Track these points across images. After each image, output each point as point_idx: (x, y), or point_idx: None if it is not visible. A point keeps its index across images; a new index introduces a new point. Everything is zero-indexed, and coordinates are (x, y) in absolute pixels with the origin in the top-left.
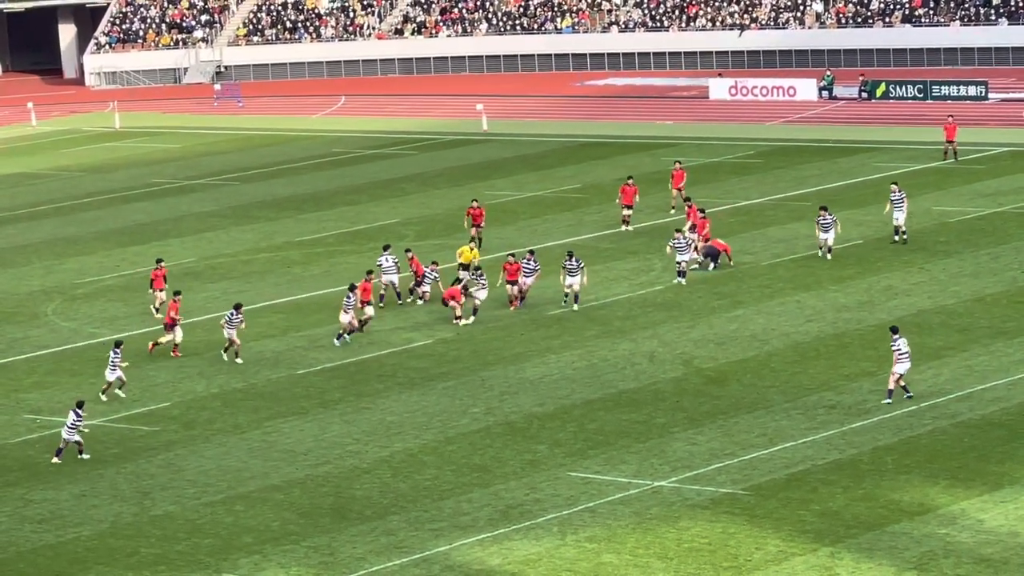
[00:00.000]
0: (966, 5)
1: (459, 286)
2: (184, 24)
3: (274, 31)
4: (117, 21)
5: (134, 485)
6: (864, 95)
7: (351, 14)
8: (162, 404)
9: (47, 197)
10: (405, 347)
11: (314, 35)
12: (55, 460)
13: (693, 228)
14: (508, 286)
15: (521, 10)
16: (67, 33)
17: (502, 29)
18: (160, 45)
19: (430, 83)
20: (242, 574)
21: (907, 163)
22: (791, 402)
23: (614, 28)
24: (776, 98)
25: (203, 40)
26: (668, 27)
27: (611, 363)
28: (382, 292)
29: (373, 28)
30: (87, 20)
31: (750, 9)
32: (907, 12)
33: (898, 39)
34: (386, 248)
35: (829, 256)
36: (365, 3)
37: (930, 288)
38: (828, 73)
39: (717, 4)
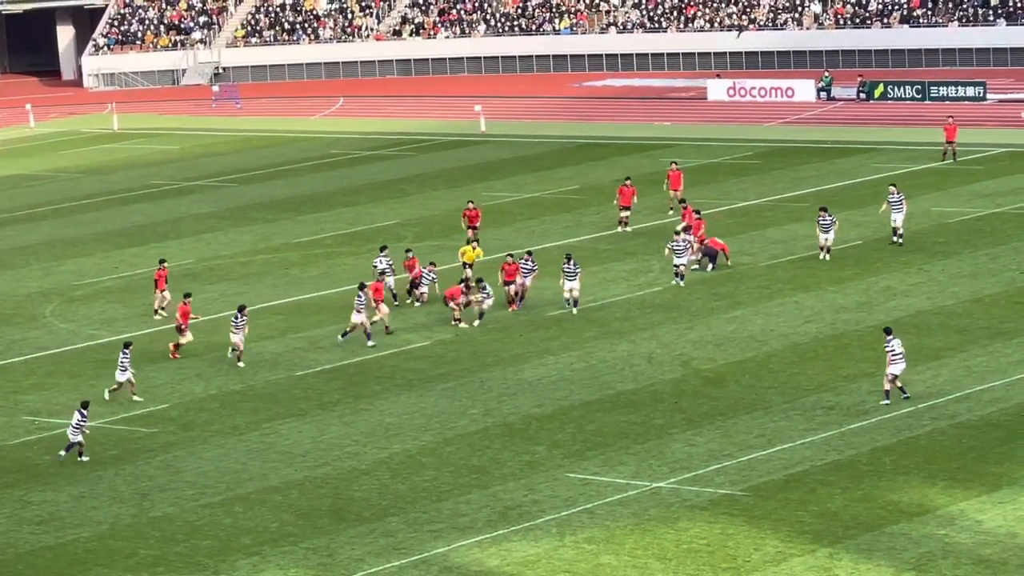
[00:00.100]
0: (964, 6)
1: (461, 285)
2: (182, 26)
3: (272, 32)
4: (115, 23)
5: (133, 487)
6: (862, 96)
7: (349, 15)
8: (161, 406)
9: (45, 199)
10: (403, 348)
11: (312, 36)
12: (62, 453)
13: (688, 229)
14: (506, 287)
15: (519, 11)
16: (65, 35)
17: (500, 30)
18: (158, 47)
19: (428, 84)
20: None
21: (906, 164)
22: (789, 403)
23: (612, 29)
24: (774, 99)
25: (201, 42)
26: (666, 28)
27: (609, 364)
28: (393, 292)
29: (371, 29)
30: (85, 22)
31: (748, 10)
32: (905, 13)
33: (896, 40)
34: (383, 249)
35: (827, 257)
36: (363, 4)
37: (929, 289)
38: (826, 74)
39: (715, 5)
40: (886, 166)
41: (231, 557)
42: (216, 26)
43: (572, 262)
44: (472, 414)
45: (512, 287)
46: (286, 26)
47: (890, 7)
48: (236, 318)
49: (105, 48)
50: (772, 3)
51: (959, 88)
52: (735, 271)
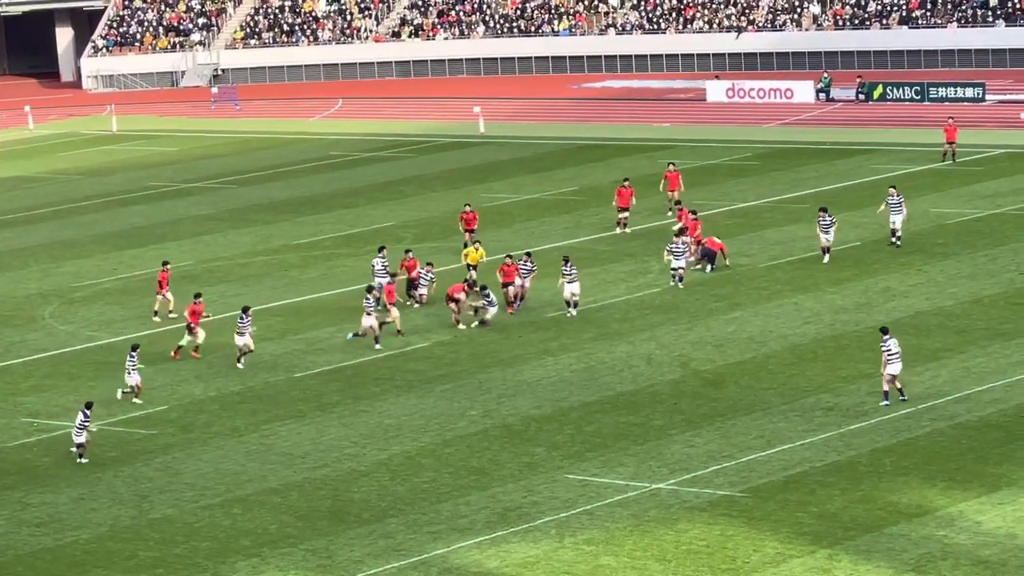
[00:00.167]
0: (963, 7)
1: (464, 283)
2: (181, 27)
3: (271, 34)
4: (114, 24)
5: (132, 488)
6: (861, 97)
7: (348, 17)
8: (160, 407)
9: (44, 200)
10: (402, 350)
11: (311, 38)
12: (74, 450)
13: (685, 231)
14: (504, 289)
15: (518, 13)
16: (64, 36)
17: (499, 32)
18: (157, 48)
19: (427, 86)
20: None
21: (905, 165)
22: (789, 404)
23: (611, 30)
24: (773, 100)
25: (200, 43)
26: (665, 29)
27: (609, 365)
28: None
29: (370, 31)
30: (84, 23)
31: (747, 11)
32: (904, 14)
33: (895, 41)
34: (380, 250)
35: (828, 257)
36: (362, 6)
37: (928, 290)
38: (825, 75)
39: (714, 6)
40: (885, 167)
41: (230, 559)
42: (215, 28)
43: (570, 264)
44: (471, 415)
45: (511, 289)
46: (285, 28)
47: (889, 8)
48: (241, 319)
49: (104, 50)
50: (771, 4)
51: (958, 89)
52: (734, 272)
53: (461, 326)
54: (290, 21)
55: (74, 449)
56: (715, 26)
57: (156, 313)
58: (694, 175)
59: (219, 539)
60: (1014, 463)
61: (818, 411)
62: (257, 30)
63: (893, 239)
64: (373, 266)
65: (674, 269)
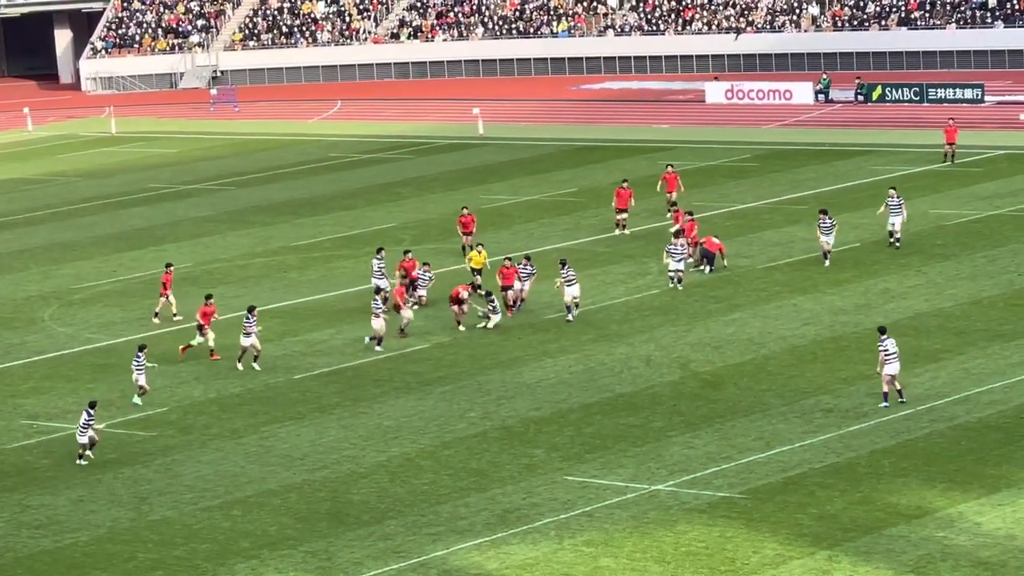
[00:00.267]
0: (962, 8)
1: (469, 284)
2: (180, 29)
3: (270, 36)
4: (113, 26)
5: (131, 490)
6: (860, 98)
7: (347, 19)
8: (159, 409)
9: (43, 202)
10: (402, 352)
11: (310, 40)
12: (89, 454)
13: (681, 232)
14: (504, 292)
15: (517, 14)
16: (63, 38)
17: (498, 33)
18: (156, 50)
19: (426, 87)
20: None
21: (904, 166)
22: (788, 406)
23: (610, 32)
24: (772, 101)
25: (199, 45)
26: (664, 31)
27: (608, 367)
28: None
29: (369, 32)
30: (83, 25)
31: (746, 13)
32: (903, 15)
33: (894, 42)
34: (379, 252)
35: (828, 260)
36: (361, 8)
37: (927, 291)
38: (824, 76)
39: (713, 8)
40: (884, 168)
41: (230, 561)
42: (214, 29)
43: (568, 267)
44: (470, 417)
45: (510, 292)
46: (284, 29)
47: (888, 9)
48: (248, 319)
49: (103, 52)
50: (770, 5)
51: (957, 90)
52: (733, 274)
53: (462, 328)
54: (289, 23)
55: (80, 451)
56: (714, 27)
57: (157, 315)
58: (693, 176)
59: (218, 541)
60: (1013, 464)
61: (817, 412)
62: (256, 32)
63: (892, 240)
64: (372, 268)
65: (672, 271)
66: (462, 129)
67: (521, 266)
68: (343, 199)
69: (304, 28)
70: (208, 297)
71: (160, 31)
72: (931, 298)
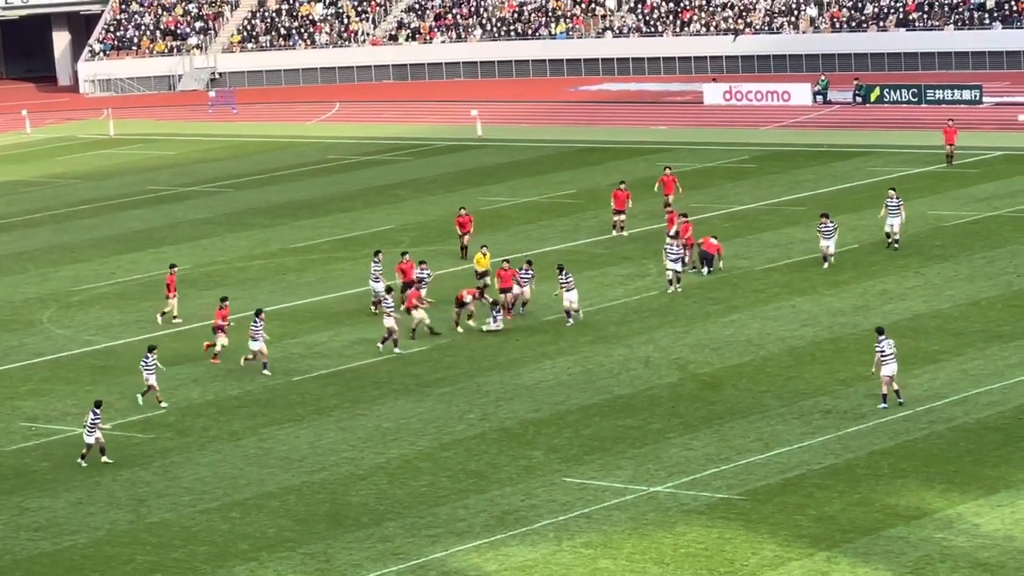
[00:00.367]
0: (960, 9)
1: (476, 290)
2: (178, 31)
3: (268, 38)
4: (111, 28)
5: (130, 492)
6: (858, 99)
7: (345, 20)
8: (158, 411)
9: (42, 205)
10: (400, 353)
11: (308, 41)
12: (105, 459)
13: (676, 235)
14: (502, 294)
15: (515, 16)
16: (61, 40)
17: (496, 35)
18: (154, 52)
19: (424, 89)
20: None
21: (902, 167)
22: (787, 407)
23: (608, 33)
24: (770, 103)
25: (197, 47)
26: (662, 32)
27: (606, 368)
28: (375, 299)
29: (367, 34)
30: (81, 27)
31: (744, 14)
32: (901, 16)
33: (892, 43)
34: (376, 254)
35: (829, 264)
36: (359, 9)
37: (925, 292)
38: (822, 78)
39: (711, 9)
40: (882, 170)
41: (228, 563)
42: (212, 31)
43: (565, 272)
44: (469, 419)
45: (508, 295)
46: (282, 31)
47: (886, 11)
48: (255, 323)
49: (101, 54)
50: (768, 7)
51: (955, 91)
52: (731, 275)
53: (460, 329)
54: (287, 25)
55: (84, 451)
56: (712, 29)
57: (164, 314)
58: (691, 178)
59: (217, 543)
60: (1012, 465)
61: (816, 414)
62: (254, 34)
63: (890, 242)
64: (371, 271)
65: (669, 271)
66: (460, 131)
67: (523, 271)
68: (341, 201)
69: (302, 30)
70: (223, 299)
71: (158, 33)
72: (929, 299)
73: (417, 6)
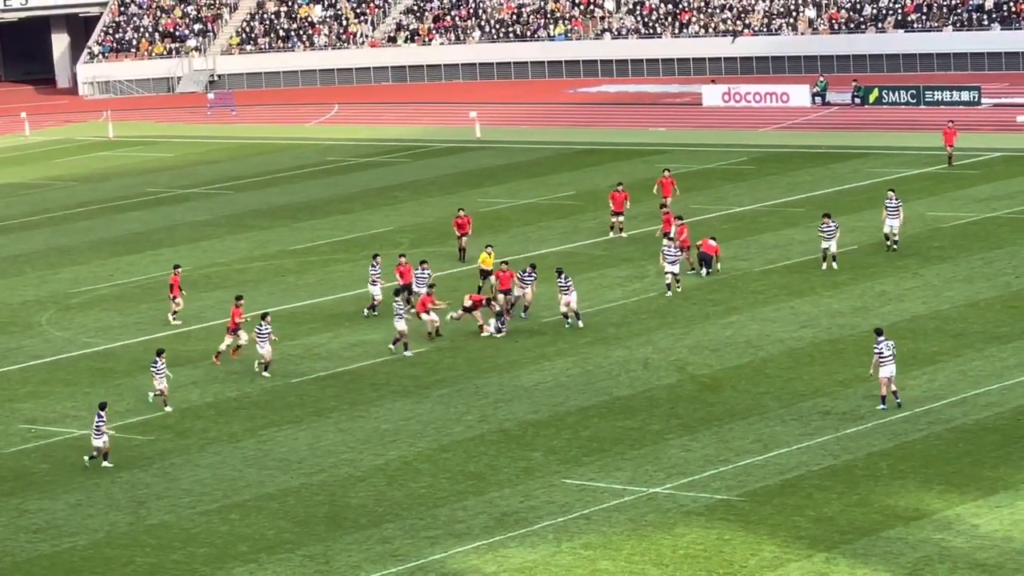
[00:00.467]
0: (959, 11)
1: (484, 298)
2: (177, 33)
3: (267, 40)
4: (110, 30)
5: (129, 494)
6: (857, 101)
7: (344, 22)
8: (157, 413)
9: (41, 207)
10: (399, 355)
11: (307, 43)
12: (106, 464)
13: (672, 236)
14: (501, 295)
15: (514, 18)
16: (60, 43)
17: (495, 36)
18: (153, 54)
19: (423, 91)
20: None
21: (900, 168)
22: (786, 408)
23: (607, 35)
24: (769, 104)
25: (196, 49)
26: (661, 34)
27: (605, 370)
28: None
29: (366, 36)
30: (80, 30)
31: (743, 15)
32: (900, 18)
33: (891, 45)
34: (375, 257)
35: (834, 265)
36: (358, 11)
37: (924, 293)
38: (821, 79)
39: (710, 11)
40: (881, 171)
41: (228, 564)
42: (211, 33)
43: (564, 276)
44: (468, 420)
45: (509, 296)
46: (281, 33)
47: (885, 12)
48: (260, 327)
49: (100, 56)
50: (767, 8)
51: (954, 93)
52: (730, 277)
53: (456, 317)
54: (286, 26)
55: (93, 454)
56: (711, 30)
57: (174, 315)
58: (690, 179)
59: (216, 545)
60: (1011, 466)
61: (815, 415)
62: (253, 36)
63: (889, 243)
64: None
65: (667, 274)
66: (459, 133)
67: (526, 274)
68: (340, 203)
69: (301, 32)
70: (238, 298)
71: (157, 35)
72: (928, 300)
73: (416, 8)
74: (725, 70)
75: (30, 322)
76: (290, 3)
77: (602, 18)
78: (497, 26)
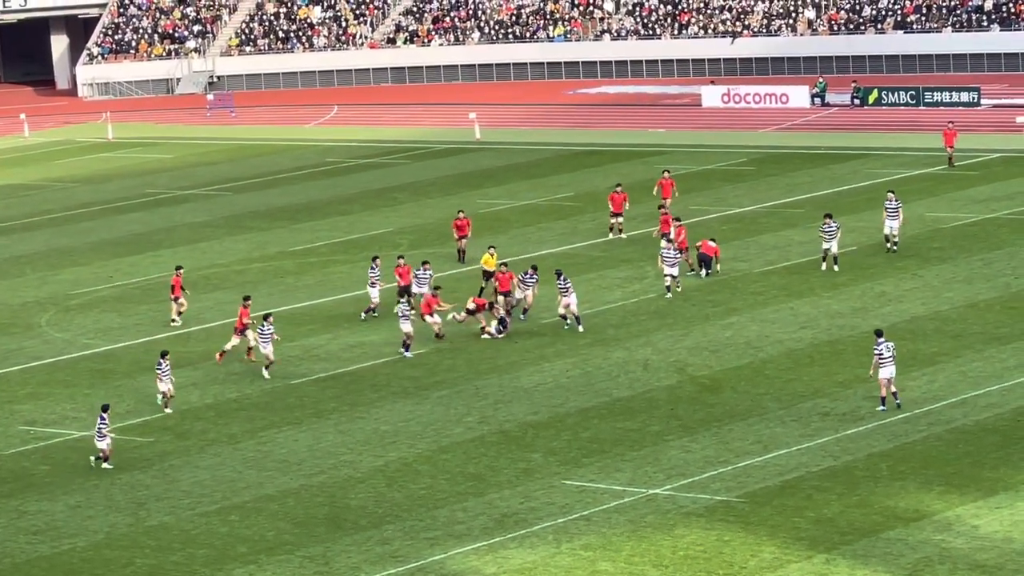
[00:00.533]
0: (958, 11)
1: (486, 301)
2: (176, 34)
3: (266, 41)
4: (109, 32)
5: (129, 496)
6: (856, 102)
7: (343, 24)
8: (156, 415)
9: (41, 208)
10: (398, 357)
11: (306, 45)
12: (106, 466)
13: (670, 238)
14: (501, 297)
15: (513, 19)
16: (59, 44)
17: (494, 38)
18: (152, 56)
19: (423, 92)
20: None
21: (900, 169)
22: (785, 409)
23: (606, 36)
24: (769, 105)
25: (195, 50)
26: (660, 35)
27: (605, 371)
28: (370, 306)
29: (365, 37)
30: (79, 31)
31: (742, 16)
32: (899, 19)
33: (890, 46)
34: (374, 260)
35: (835, 267)
36: (357, 12)
37: (923, 294)
38: (820, 80)
39: (709, 12)
40: (880, 172)
41: (227, 566)
42: (210, 35)
43: (563, 277)
44: (468, 422)
45: (509, 298)
46: (280, 34)
47: (884, 13)
48: (263, 327)
49: (99, 57)
50: (766, 9)
51: (953, 94)
52: (730, 278)
53: (454, 316)
54: (285, 28)
55: (99, 455)
56: (710, 31)
57: (180, 314)
58: (690, 180)
59: (216, 546)
60: (1011, 467)
61: (814, 416)
62: (252, 37)
63: (888, 245)
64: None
65: (666, 276)
66: (459, 134)
67: (528, 274)
68: (340, 204)
69: (300, 33)
70: (246, 298)
71: (156, 37)
72: (928, 301)
73: (415, 9)
74: (724, 71)
75: (30, 323)
76: (289, 4)
77: (601, 19)
78: (496, 27)
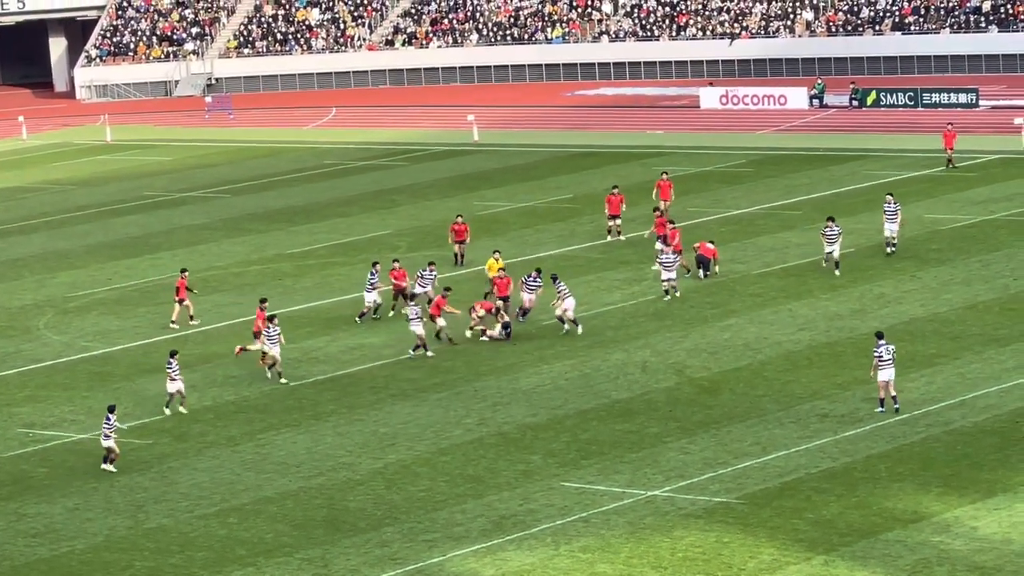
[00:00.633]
0: (956, 13)
1: (493, 305)
2: (175, 37)
3: (265, 43)
4: (108, 34)
5: (128, 498)
6: (855, 103)
7: (341, 26)
8: (155, 417)
9: (38, 211)
10: (397, 359)
11: (305, 47)
12: (110, 468)
13: (665, 240)
14: (499, 301)
15: (511, 20)
16: (58, 46)
17: (492, 39)
18: (151, 58)
19: (421, 94)
20: None
21: (898, 171)
22: (784, 411)
23: (604, 38)
24: (767, 107)
25: (194, 53)
26: (658, 36)
27: (604, 373)
28: (364, 309)
29: (363, 39)
30: (77, 33)
31: (740, 18)
32: (897, 20)
33: (888, 47)
34: (374, 265)
35: (836, 272)
36: (356, 14)
37: (922, 296)
38: (819, 81)
39: (707, 13)
40: (879, 173)
41: (226, 568)
42: (208, 37)
43: (559, 281)
44: (467, 423)
45: (508, 303)
46: (278, 37)
47: (882, 14)
48: (268, 329)
49: (97, 60)
50: (764, 11)
51: (951, 95)
52: (728, 279)
53: (468, 333)
54: (283, 30)
55: (106, 456)
56: (708, 33)
57: (191, 317)
58: (688, 182)
59: (215, 548)
60: (1009, 469)
61: (813, 418)
62: (250, 39)
63: (887, 248)
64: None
65: (665, 280)
66: (457, 136)
67: (531, 278)
68: (338, 206)
69: (299, 35)
70: (263, 301)
71: (155, 39)
72: (926, 303)
73: (413, 11)
74: (723, 72)
75: (28, 326)
76: (287, 6)
77: (599, 21)
78: (495, 29)
